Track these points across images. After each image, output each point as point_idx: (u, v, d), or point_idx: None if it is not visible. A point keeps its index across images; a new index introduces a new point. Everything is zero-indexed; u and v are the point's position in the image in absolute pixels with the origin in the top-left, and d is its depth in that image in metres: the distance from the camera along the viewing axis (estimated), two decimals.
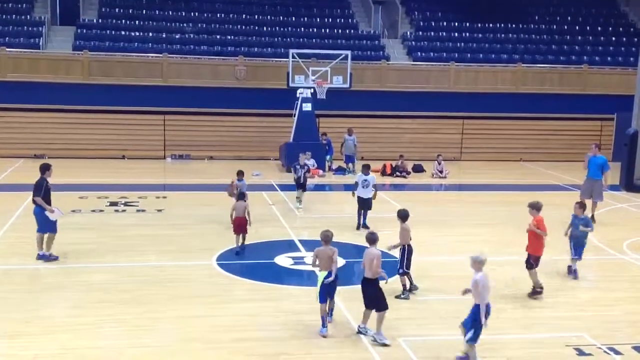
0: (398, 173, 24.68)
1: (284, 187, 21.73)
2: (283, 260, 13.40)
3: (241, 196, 14.21)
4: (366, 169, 15.92)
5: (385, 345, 9.26)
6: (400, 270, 11.22)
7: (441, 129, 28.93)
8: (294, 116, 25.16)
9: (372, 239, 9.69)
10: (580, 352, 9.34)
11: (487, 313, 8.70)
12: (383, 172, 24.84)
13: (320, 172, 24.25)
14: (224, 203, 19.16)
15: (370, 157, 26.80)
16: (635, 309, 11.07)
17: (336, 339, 9.58)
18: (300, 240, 14.97)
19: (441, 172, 24.64)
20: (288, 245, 14.51)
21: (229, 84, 27.48)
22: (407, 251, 11.24)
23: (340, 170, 25.00)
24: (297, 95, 25.03)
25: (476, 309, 8.67)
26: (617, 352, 9.35)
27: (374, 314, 9.53)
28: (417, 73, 29.21)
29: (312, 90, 25.04)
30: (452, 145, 28.98)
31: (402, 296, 11.16)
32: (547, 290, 11.68)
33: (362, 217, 15.93)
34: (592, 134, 29.81)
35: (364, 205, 15.86)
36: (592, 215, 16.51)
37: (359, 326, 9.73)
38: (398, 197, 20.80)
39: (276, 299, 11.27)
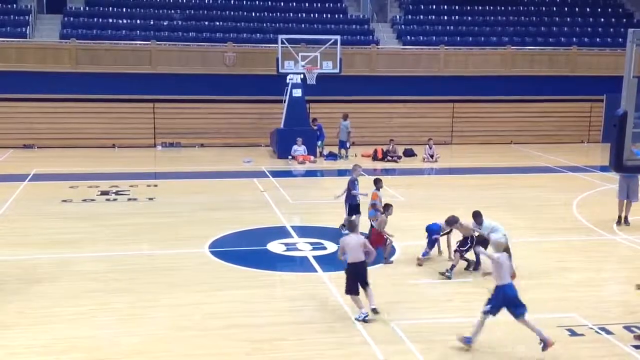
0: (389, 157, 24.71)
1: (276, 174, 21.74)
2: (275, 246, 13.41)
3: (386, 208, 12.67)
4: (477, 217, 11.91)
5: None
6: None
7: (432, 113, 28.94)
8: (284, 102, 25.10)
9: (353, 226, 10.34)
10: (572, 333, 9.43)
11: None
12: (374, 157, 24.91)
13: (312, 158, 24.24)
14: (215, 190, 19.19)
15: (362, 142, 26.85)
16: (626, 289, 11.14)
17: (329, 324, 9.63)
18: (292, 227, 14.98)
19: (432, 156, 24.68)
20: (280, 232, 14.52)
21: (218, 71, 27.37)
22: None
23: (331, 156, 24.98)
24: (287, 81, 24.96)
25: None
26: (608, 332, 9.44)
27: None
28: (407, 57, 29.16)
29: (302, 76, 24.96)
30: (443, 129, 29.01)
31: (446, 273, 11.49)
32: (537, 272, 11.77)
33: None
34: (582, 116, 29.99)
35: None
36: (626, 217, 15.31)
37: (374, 309, 9.79)
38: (389, 181, 20.81)
39: (269, 285, 11.29)
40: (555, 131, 29.57)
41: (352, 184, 14.08)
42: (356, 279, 9.71)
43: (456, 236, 12.20)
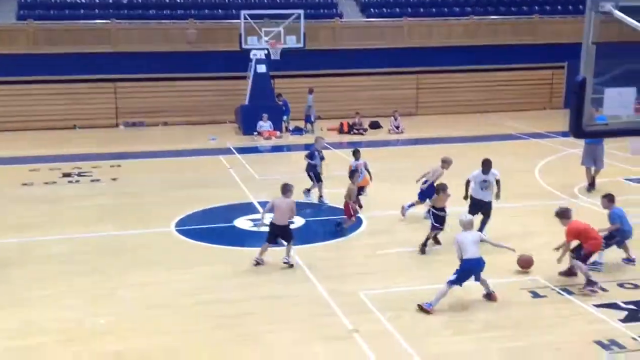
0: (355, 130, 24.76)
1: (241, 150, 21.65)
2: (242, 222, 13.41)
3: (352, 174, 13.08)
4: (486, 165, 12.14)
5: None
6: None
7: (396, 85, 28.98)
8: (249, 78, 24.90)
9: (288, 189, 10.96)
10: (535, 294, 9.66)
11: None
12: (340, 130, 24.93)
13: (278, 133, 24.15)
14: (180, 169, 19.04)
15: (328, 115, 26.81)
16: None
17: (298, 298, 9.69)
18: (259, 202, 14.95)
19: (397, 127, 24.79)
20: (247, 208, 14.50)
21: (181, 48, 26.99)
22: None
23: (297, 131, 24.93)
24: (251, 57, 24.73)
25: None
26: (569, 292, 9.69)
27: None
28: (370, 30, 29.09)
29: (265, 51, 24.75)
30: (408, 101, 29.09)
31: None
32: (500, 236, 11.87)
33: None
34: (544, 83, 30.32)
35: (481, 209, 12.08)
36: (592, 183, 15.25)
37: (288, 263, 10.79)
38: None
39: (237, 261, 11.28)
40: (518, 99, 29.84)
41: (312, 155, 14.80)
42: (275, 234, 10.90)
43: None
